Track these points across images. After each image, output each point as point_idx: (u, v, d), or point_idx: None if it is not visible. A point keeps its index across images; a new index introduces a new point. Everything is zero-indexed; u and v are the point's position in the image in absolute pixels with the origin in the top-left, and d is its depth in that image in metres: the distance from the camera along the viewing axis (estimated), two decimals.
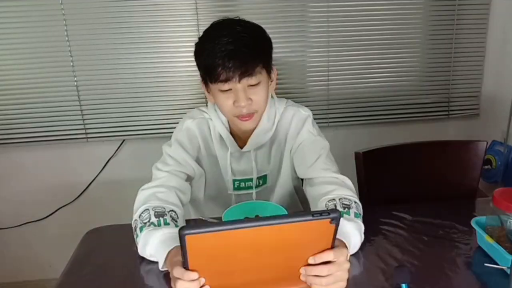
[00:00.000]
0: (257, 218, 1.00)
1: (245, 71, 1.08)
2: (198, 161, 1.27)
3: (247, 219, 0.99)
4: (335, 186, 1.12)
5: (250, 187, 1.32)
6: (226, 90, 1.10)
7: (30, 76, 1.95)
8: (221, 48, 1.06)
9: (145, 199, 1.10)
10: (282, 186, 1.36)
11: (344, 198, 1.08)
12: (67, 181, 2.11)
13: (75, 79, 1.97)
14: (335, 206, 1.06)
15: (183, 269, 0.78)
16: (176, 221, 1.05)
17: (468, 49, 2.14)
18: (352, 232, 1.00)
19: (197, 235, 0.73)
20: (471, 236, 1.08)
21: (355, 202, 1.09)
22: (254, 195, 1.32)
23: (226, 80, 1.08)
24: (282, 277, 0.85)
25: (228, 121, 1.24)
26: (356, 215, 1.05)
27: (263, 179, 1.33)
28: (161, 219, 1.04)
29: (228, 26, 1.10)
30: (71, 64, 1.95)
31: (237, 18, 1.13)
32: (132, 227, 1.07)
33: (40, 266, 2.21)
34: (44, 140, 2.02)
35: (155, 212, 1.05)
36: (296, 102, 1.33)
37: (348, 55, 2.07)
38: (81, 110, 2.01)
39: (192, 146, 1.25)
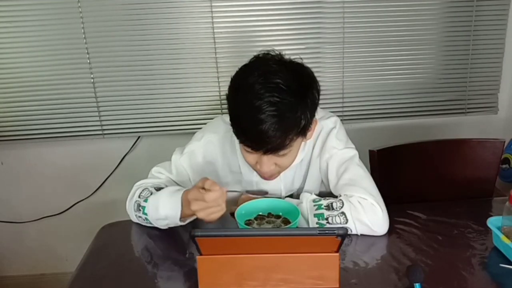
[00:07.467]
0: (265, 229, 1.06)
1: (272, 149, 1.00)
2: (214, 177, 1.15)
3: (256, 228, 1.05)
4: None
5: None
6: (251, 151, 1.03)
7: (48, 73, 1.97)
8: (252, 117, 0.95)
9: (140, 185, 1.16)
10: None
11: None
12: (83, 177, 2.14)
13: (92, 75, 1.99)
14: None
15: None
16: None
17: (486, 45, 2.09)
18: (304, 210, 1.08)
19: (206, 238, 0.80)
20: (486, 236, 1.07)
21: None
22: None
23: (251, 149, 1.02)
24: (281, 272, 0.87)
25: None
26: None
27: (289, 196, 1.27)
28: (161, 189, 1.09)
29: (265, 85, 0.96)
30: (88, 61, 1.97)
31: (277, 65, 1.02)
32: (132, 211, 1.13)
33: (57, 259, 2.25)
34: (61, 136, 2.05)
35: (154, 187, 1.10)
36: None
37: (364, 51, 2.04)
38: (98, 107, 2.03)
39: (205, 162, 1.20)
